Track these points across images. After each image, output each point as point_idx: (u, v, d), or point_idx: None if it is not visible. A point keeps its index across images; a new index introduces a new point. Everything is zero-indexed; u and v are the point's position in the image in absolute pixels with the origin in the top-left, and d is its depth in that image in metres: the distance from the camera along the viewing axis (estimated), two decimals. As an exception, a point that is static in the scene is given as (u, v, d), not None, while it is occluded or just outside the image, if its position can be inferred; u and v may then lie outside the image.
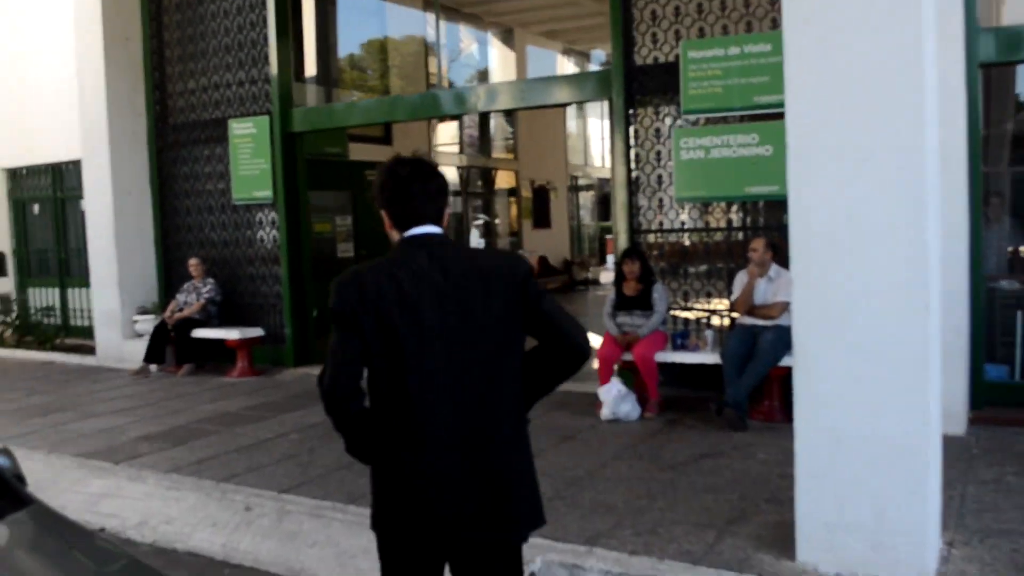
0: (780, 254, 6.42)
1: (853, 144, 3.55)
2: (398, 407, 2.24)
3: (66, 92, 10.48)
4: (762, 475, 5.02)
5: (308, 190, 9.59)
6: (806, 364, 3.70)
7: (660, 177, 7.32)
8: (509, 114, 18.97)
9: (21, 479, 2.82)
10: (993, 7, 6.70)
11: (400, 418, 2.23)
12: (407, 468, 2.23)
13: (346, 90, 14.12)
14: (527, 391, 2.35)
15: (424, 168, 2.36)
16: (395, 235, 2.36)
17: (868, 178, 3.51)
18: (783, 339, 5.92)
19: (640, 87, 7.32)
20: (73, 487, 5.58)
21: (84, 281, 10.97)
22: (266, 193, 9.37)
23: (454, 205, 17.28)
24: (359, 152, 12.78)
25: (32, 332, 11.57)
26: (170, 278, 10.29)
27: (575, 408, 6.80)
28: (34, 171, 12.22)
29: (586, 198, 22.79)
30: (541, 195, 19.67)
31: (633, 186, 7.41)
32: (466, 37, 16.46)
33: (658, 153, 7.31)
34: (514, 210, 19.26)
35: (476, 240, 18.06)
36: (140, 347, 9.45)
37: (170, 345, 9.40)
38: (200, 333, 9.24)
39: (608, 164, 11.46)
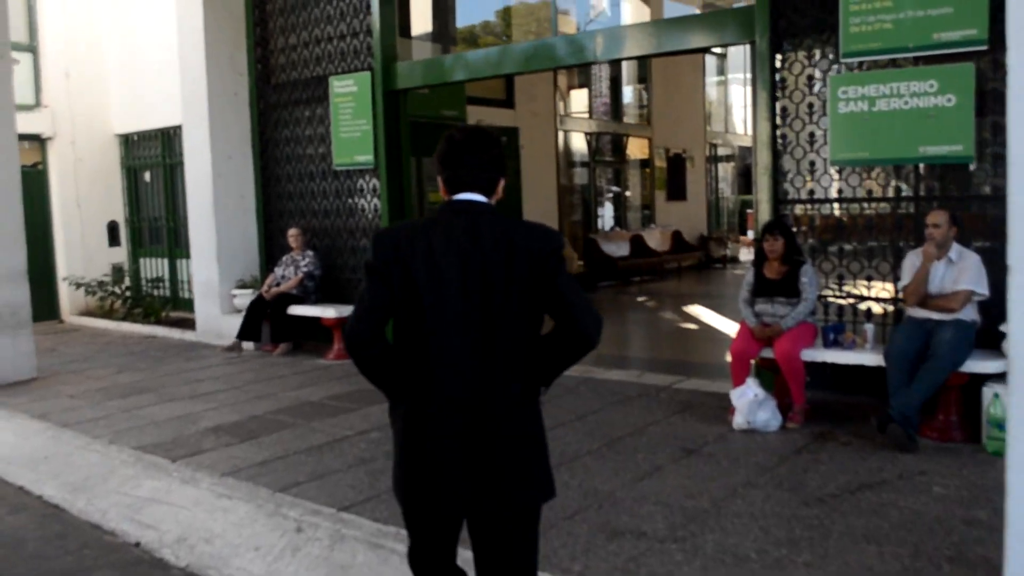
0: (963, 231, 5.36)
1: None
2: (414, 356, 2.36)
3: (175, 56, 10.11)
4: (942, 519, 3.94)
5: (423, 156, 8.81)
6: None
7: (812, 135, 6.13)
8: (643, 80, 17.87)
9: None
10: None
11: (414, 366, 2.35)
12: (415, 426, 2.35)
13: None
14: (537, 369, 2.41)
15: (480, 137, 2.45)
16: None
17: None
18: (965, 337, 5.08)
19: (789, 25, 6.13)
20: (121, 487, 5.06)
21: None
22: (367, 157, 8.67)
23: (581, 176, 16.43)
24: (479, 116, 12.12)
25: (141, 304, 11.42)
26: (271, 249, 9.80)
27: (702, 412, 5.89)
28: (145, 137, 12.09)
29: (726, 169, 21.57)
30: (676, 164, 18.51)
31: (779, 146, 6.25)
32: (599, -3, 15.37)
33: (810, 106, 6.12)
34: (647, 181, 18.14)
35: (608, 217, 17.20)
36: (239, 323, 8.96)
37: (266, 322, 8.88)
38: (296, 310, 8.72)
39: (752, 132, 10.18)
